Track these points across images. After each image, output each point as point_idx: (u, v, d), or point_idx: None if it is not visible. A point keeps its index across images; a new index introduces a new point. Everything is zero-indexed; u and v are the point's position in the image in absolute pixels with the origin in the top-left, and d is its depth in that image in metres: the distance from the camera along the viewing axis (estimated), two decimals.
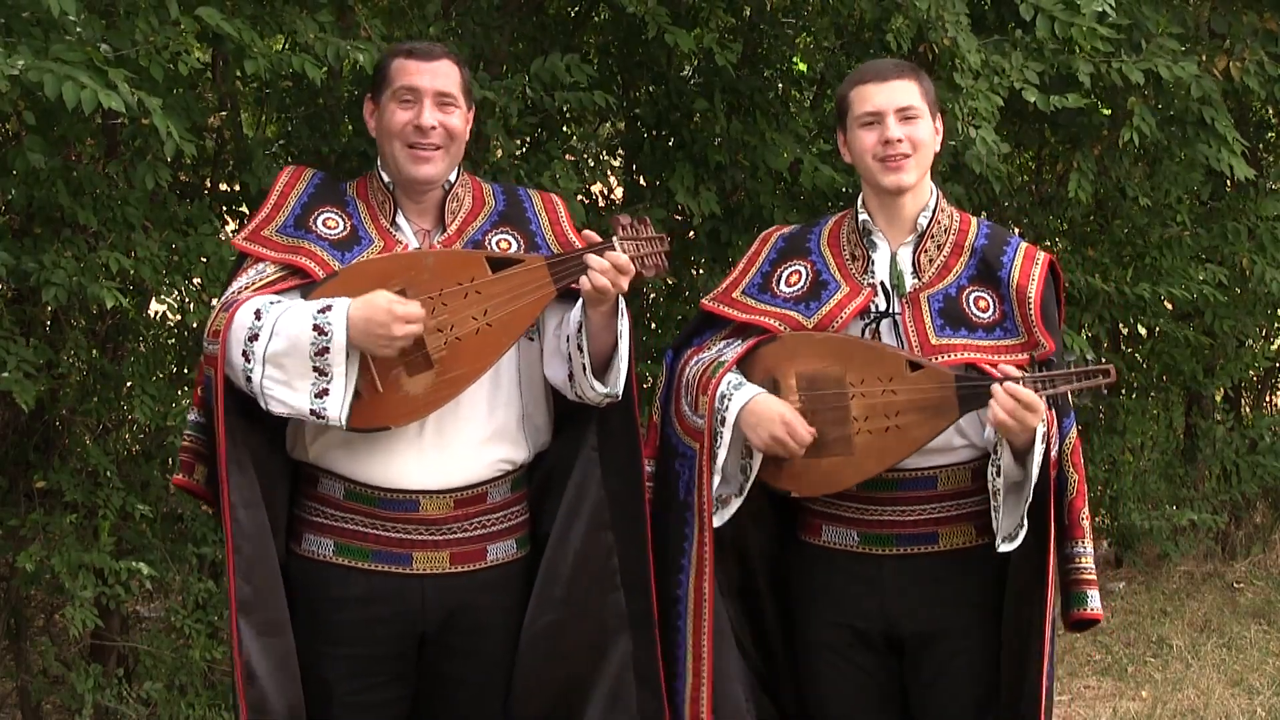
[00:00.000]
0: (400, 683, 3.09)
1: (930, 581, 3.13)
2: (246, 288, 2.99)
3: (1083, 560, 3.14)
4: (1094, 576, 3.16)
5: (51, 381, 4.33)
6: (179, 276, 4.20)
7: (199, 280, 4.23)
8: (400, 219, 3.12)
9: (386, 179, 3.12)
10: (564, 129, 5.36)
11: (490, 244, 3.11)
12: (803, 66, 5.76)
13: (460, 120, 3.09)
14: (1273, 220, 6.14)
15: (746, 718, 3.20)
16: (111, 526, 4.46)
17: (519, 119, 4.64)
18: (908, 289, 3.13)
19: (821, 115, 5.67)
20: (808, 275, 3.19)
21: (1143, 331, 6.95)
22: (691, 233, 5.43)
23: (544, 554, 3.13)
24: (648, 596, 3.18)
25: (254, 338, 2.89)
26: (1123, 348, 7.09)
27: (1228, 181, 6.14)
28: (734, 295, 3.25)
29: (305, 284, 3.00)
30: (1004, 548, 3.00)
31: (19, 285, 4.20)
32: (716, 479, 3.11)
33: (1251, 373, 7.55)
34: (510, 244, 3.13)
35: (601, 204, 5.60)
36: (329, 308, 2.89)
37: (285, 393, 2.88)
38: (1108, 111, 5.47)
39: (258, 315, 2.90)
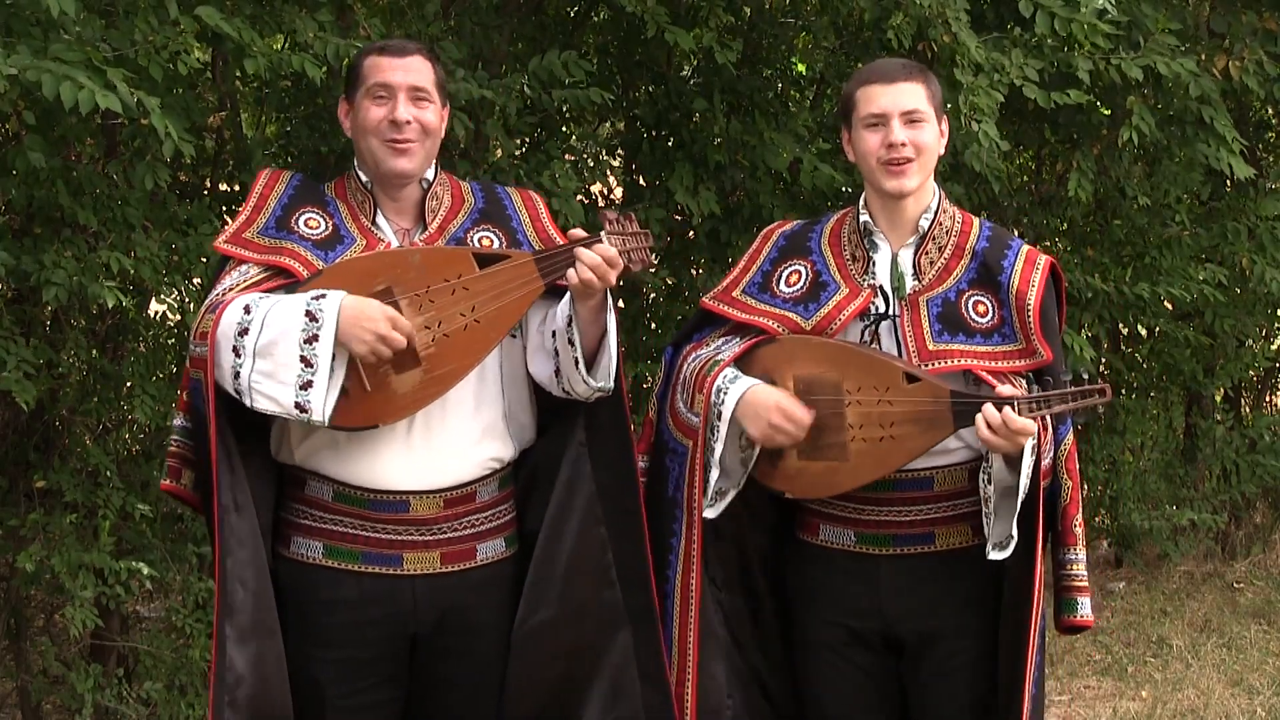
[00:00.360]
0: (392, 684, 3.08)
1: (927, 582, 3.13)
2: (231, 289, 2.98)
3: (1075, 567, 3.14)
4: (1086, 584, 3.16)
5: (51, 381, 4.33)
6: (179, 276, 4.20)
7: (199, 280, 4.23)
8: (380, 218, 3.11)
9: (364, 178, 3.11)
10: (563, 129, 5.37)
11: (472, 241, 3.10)
12: (801, 67, 5.76)
13: (435, 116, 3.08)
14: (1272, 220, 6.14)
15: (725, 713, 3.19)
16: (111, 526, 4.46)
17: (518, 118, 4.64)
18: (908, 291, 3.12)
19: (821, 115, 5.68)
20: (808, 275, 3.18)
21: (1142, 331, 6.95)
22: (691, 232, 5.44)
23: (535, 552, 3.12)
24: (647, 591, 3.17)
25: (244, 332, 2.87)
26: (1123, 348, 7.09)
27: (1227, 181, 6.14)
28: (734, 294, 3.25)
29: (290, 284, 2.98)
30: (994, 555, 3.00)
31: (19, 285, 4.20)
32: (715, 473, 3.10)
33: (1251, 373, 7.55)
34: (492, 241, 3.12)
35: (601, 204, 5.60)
36: (324, 295, 2.88)
37: (271, 386, 2.86)
38: (1107, 112, 5.47)
39: (247, 310, 2.89)
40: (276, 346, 2.86)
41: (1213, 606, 6.65)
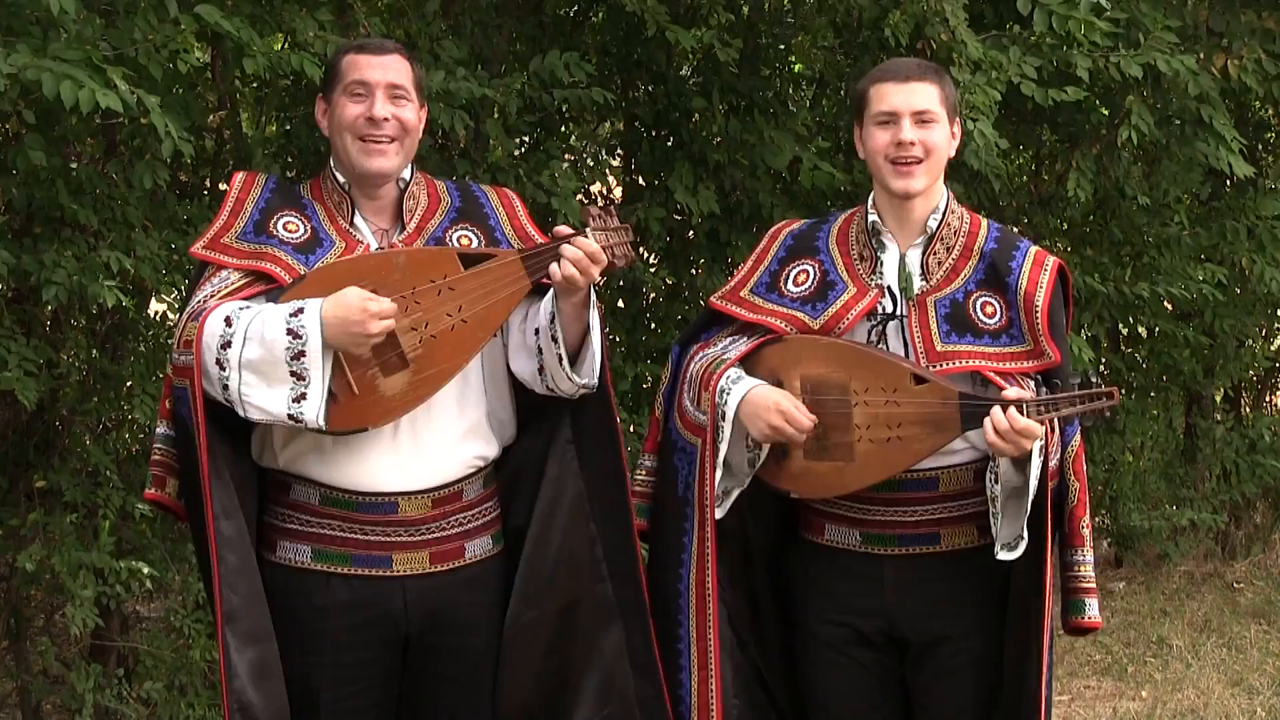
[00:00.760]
0: (385, 686, 3.07)
1: (931, 582, 3.12)
2: (212, 296, 2.95)
3: (1082, 569, 3.12)
4: (1093, 585, 3.14)
5: (52, 381, 4.33)
6: (179, 276, 4.20)
7: None
8: (358, 219, 3.09)
9: (341, 178, 3.08)
10: (563, 129, 5.37)
11: (451, 240, 3.09)
12: (799, 67, 5.77)
13: (413, 114, 3.06)
14: (1272, 220, 6.14)
15: (732, 713, 3.19)
16: (111, 526, 4.46)
17: (518, 118, 4.64)
18: (916, 292, 3.12)
19: (820, 114, 5.68)
20: (815, 275, 3.18)
21: (1142, 331, 6.95)
22: (691, 232, 5.44)
23: (524, 549, 3.11)
24: (637, 585, 3.17)
25: (226, 345, 2.86)
26: (1122, 348, 7.09)
27: (1227, 181, 6.14)
28: (741, 294, 3.24)
29: (272, 289, 2.97)
30: (1003, 556, 2.99)
31: (19, 285, 4.20)
32: (719, 473, 3.10)
33: (1251, 373, 7.55)
34: (471, 240, 3.11)
35: (600, 204, 5.60)
36: (301, 310, 2.86)
37: (263, 398, 2.85)
38: (1106, 111, 5.47)
39: (228, 322, 2.87)
40: (265, 364, 2.85)
41: (1213, 606, 6.65)
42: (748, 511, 3.20)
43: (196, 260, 3.08)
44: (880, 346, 3.10)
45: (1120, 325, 6.71)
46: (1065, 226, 6.20)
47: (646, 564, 3.26)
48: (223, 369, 2.86)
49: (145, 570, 4.33)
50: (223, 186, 4.74)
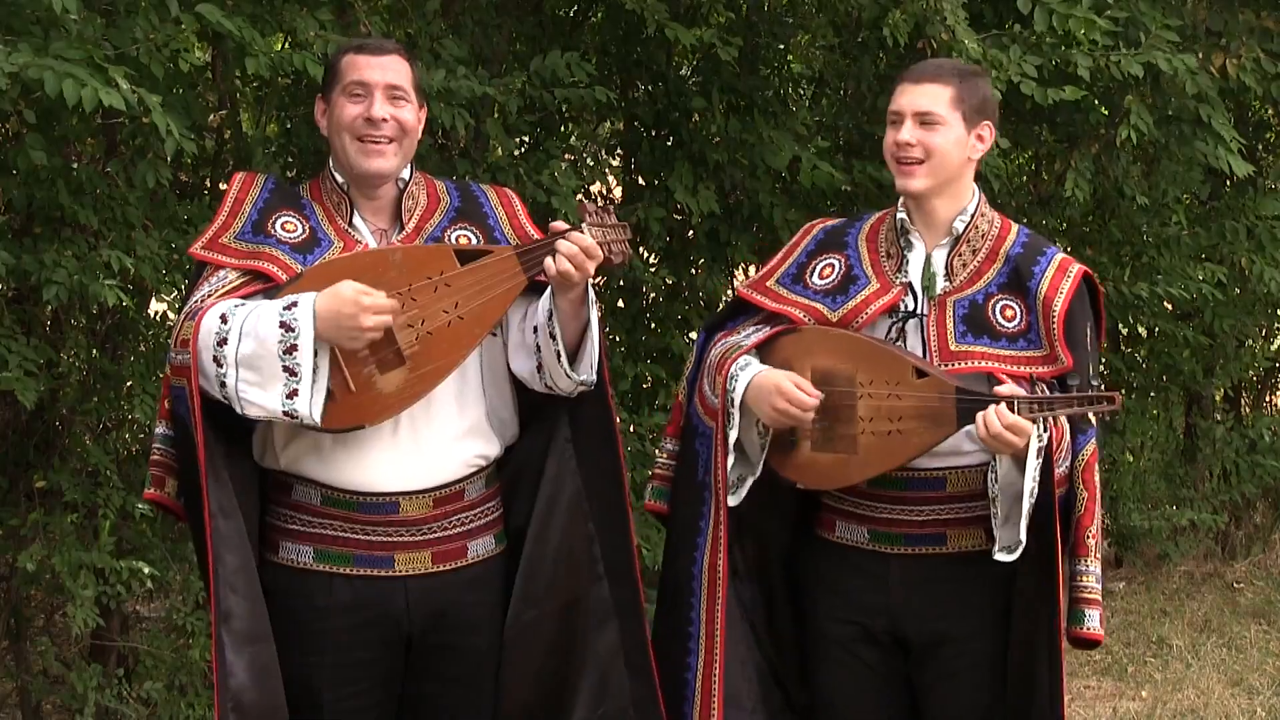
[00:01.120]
0: (387, 686, 3.07)
1: (936, 583, 3.12)
2: (209, 295, 2.95)
3: (1085, 579, 3.09)
4: (1097, 597, 3.11)
5: (52, 381, 4.33)
6: (179, 276, 4.20)
7: None
8: (357, 219, 3.08)
9: (340, 179, 3.08)
10: (563, 128, 5.37)
11: (450, 240, 3.08)
12: (798, 66, 5.77)
13: (412, 115, 3.06)
14: (1271, 219, 6.14)
15: (745, 701, 3.20)
16: (111, 526, 4.46)
17: (518, 117, 4.64)
18: (938, 291, 3.12)
19: (820, 114, 5.68)
20: (840, 269, 3.19)
21: (1142, 331, 6.96)
22: (690, 232, 5.44)
23: (524, 548, 3.11)
24: (632, 585, 3.18)
25: (222, 342, 2.85)
26: (1122, 348, 7.09)
27: (1227, 181, 6.14)
28: (768, 284, 3.26)
29: (269, 288, 2.96)
30: (1000, 557, 2.98)
31: (19, 285, 4.20)
32: (731, 458, 3.12)
33: (1251, 373, 7.56)
34: (470, 239, 3.10)
35: (601, 204, 5.59)
36: (294, 304, 2.85)
37: (259, 395, 2.85)
38: (1105, 111, 5.47)
39: (224, 319, 2.87)
40: (259, 359, 2.84)
41: (1213, 606, 6.65)
42: (770, 506, 3.21)
43: (195, 260, 3.08)
44: (898, 343, 3.11)
45: (1120, 325, 6.72)
46: (1065, 226, 6.20)
47: (664, 547, 3.30)
48: (220, 366, 2.85)
49: (145, 570, 4.33)
50: (223, 186, 4.75)
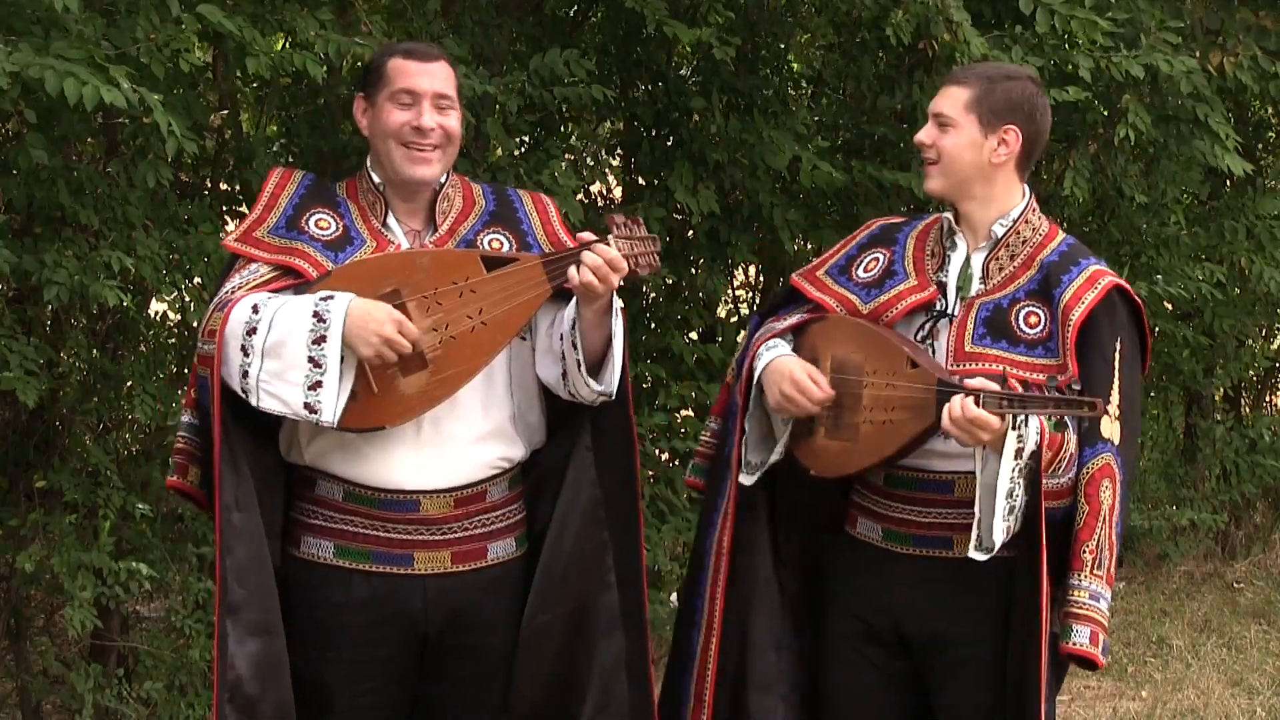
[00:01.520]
0: (401, 684, 3.08)
1: (938, 585, 3.12)
2: (240, 287, 2.98)
3: (1077, 594, 3.02)
4: (1090, 614, 3.02)
5: (52, 381, 4.33)
6: (179, 276, 4.20)
7: (199, 280, 4.23)
8: (391, 219, 3.10)
9: (377, 179, 3.10)
10: (563, 128, 5.37)
11: (482, 244, 3.10)
12: (797, 66, 5.77)
13: (457, 122, 3.09)
14: (1271, 219, 6.14)
15: (775, 692, 3.24)
16: (111, 526, 4.46)
17: (518, 117, 4.64)
18: (972, 293, 3.13)
19: (820, 113, 5.68)
20: (883, 263, 3.22)
21: None
22: (690, 232, 5.44)
23: (541, 553, 3.12)
24: (639, 594, 3.21)
25: (252, 331, 2.87)
26: None
27: (1226, 181, 6.14)
28: (818, 273, 3.31)
29: (298, 284, 2.98)
30: (973, 555, 2.96)
31: (20, 285, 4.20)
32: (747, 436, 3.19)
33: (1251, 373, 7.55)
34: (502, 244, 3.12)
35: (600, 203, 5.61)
36: (330, 297, 2.88)
37: (280, 387, 2.86)
38: (1106, 111, 5.47)
39: (255, 310, 2.89)
40: (284, 347, 2.85)
41: (1213, 606, 6.65)
42: (817, 500, 3.26)
43: (228, 252, 3.10)
44: (927, 341, 3.12)
45: None
46: (1064, 226, 6.17)
47: (697, 523, 3.37)
48: (246, 355, 2.86)
49: (145, 571, 4.33)
50: (223, 186, 4.75)
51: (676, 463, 5.30)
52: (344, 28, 4.19)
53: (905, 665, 3.20)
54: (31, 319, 4.35)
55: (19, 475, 4.51)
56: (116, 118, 4.04)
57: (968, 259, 3.16)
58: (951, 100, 3.09)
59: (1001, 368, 3.04)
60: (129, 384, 4.49)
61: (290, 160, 4.70)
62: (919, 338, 3.14)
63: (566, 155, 5.06)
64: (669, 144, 5.34)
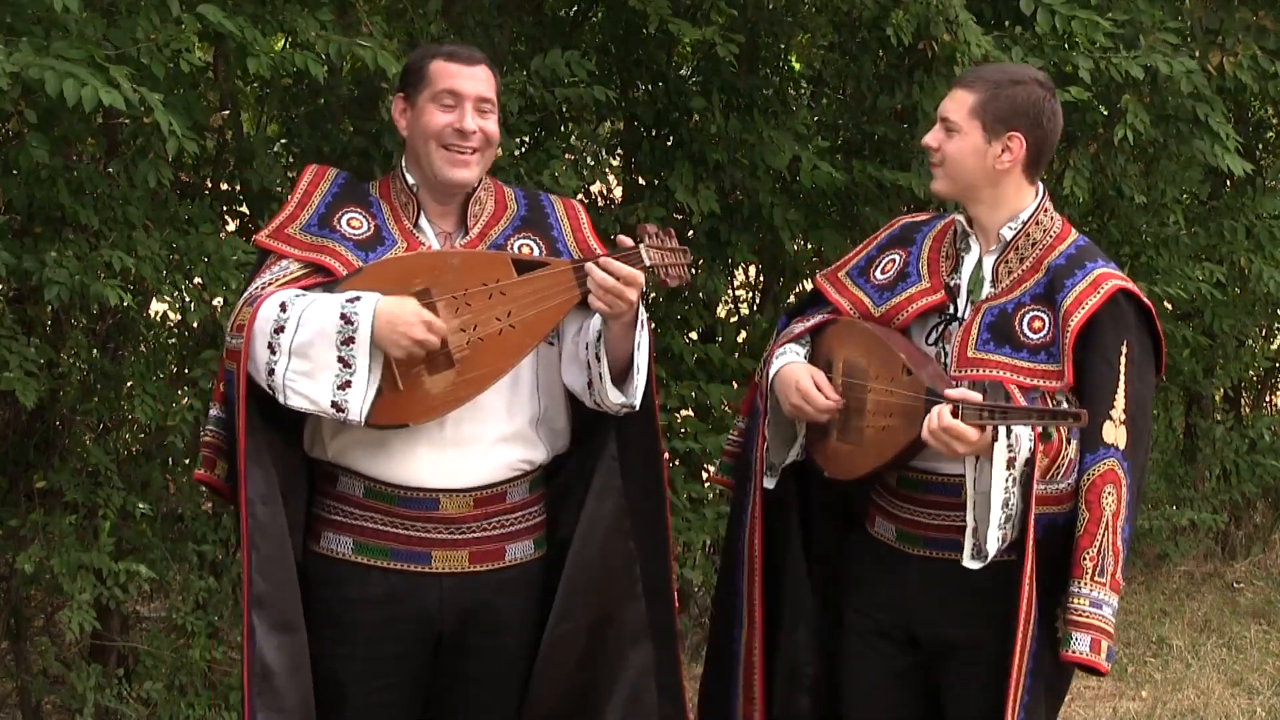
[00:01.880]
0: (415, 682, 3.09)
1: (947, 588, 3.12)
2: (270, 284, 2.99)
3: (1076, 600, 2.99)
4: (1091, 620, 2.99)
5: (52, 381, 4.33)
6: (180, 275, 4.20)
7: (199, 280, 4.23)
8: (423, 220, 3.11)
9: (411, 180, 3.11)
10: (563, 128, 5.37)
11: (512, 248, 3.11)
12: (798, 66, 5.77)
13: (495, 126, 3.09)
14: (1271, 219, 6.14)
15: (803, 680, 3.28)
16: (111, 527, 4.46)
17: (518, 117, 4.64)
18: (982, 296, 3.12)
19: (820, 113, 5.68)
20: (899, 265, 3.22)
21: None
22: (691, 232, 5.44)
23: (565, 562, 3.13)
24: (668, 604, 3.23)
25: (280, 330, 2.88)
26: None
27: (1226, 181, 6.14)
28: (839, 274, 3.32)
29: (328, 282, 2.99)
30: (967, 564, 2.97)
31: (20, 285, 4.20)
32: (768, 440, 3.22)
33: (1251, 373, 7.55)
34: (532, 249, 3.13)
35: (601, 203, 5.61)
36: (358, 298, 2.89)
37: (308, 385, 2.87)
38: (1106, 111, 5.47)
39: (283, 308, 2.90)
40: (313, 347, 2.87)
41: (1213, 606, 6.65)
42: (850, 497, 3.28)
43: (259, 248, 3.11)
44: (938, 344, 3.13)
45: None
46: None
47: (728, 519, 3.39)
48: (273, 353, 2.88)
49: (144, 572, 4.33)
50: (224, 186, 4.76)
51: (677, 462, 5.30)
52: (344, 28, 4.19)
53: (916, 663, 3.21)
54: (31, 319, 4.34)
55: (19, 475, 4.51)
56: (117, 118, 4.03)
57: (979, 262, 3.15)
58: (957, 104, 3.08)
59: (1003, 374, 3.03)
60: (129, 384, 4.49)
61: (291, 160, 4.70)
62: (930, 341, 3.14)
63: (567, 155, 5.06)
64: (669, 144, 5.34)
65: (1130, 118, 5.05)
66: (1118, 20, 4.88)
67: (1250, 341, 7.30)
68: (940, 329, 3.13)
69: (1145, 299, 3.12)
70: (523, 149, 4.91)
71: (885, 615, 3.19)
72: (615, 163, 5.66)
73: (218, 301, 4.27)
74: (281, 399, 2.90)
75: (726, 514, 5.18)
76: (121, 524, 4.51)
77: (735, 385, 5.43)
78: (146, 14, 3.72)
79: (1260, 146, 6.95)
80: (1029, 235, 3.11)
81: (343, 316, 2.87)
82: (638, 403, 3.08)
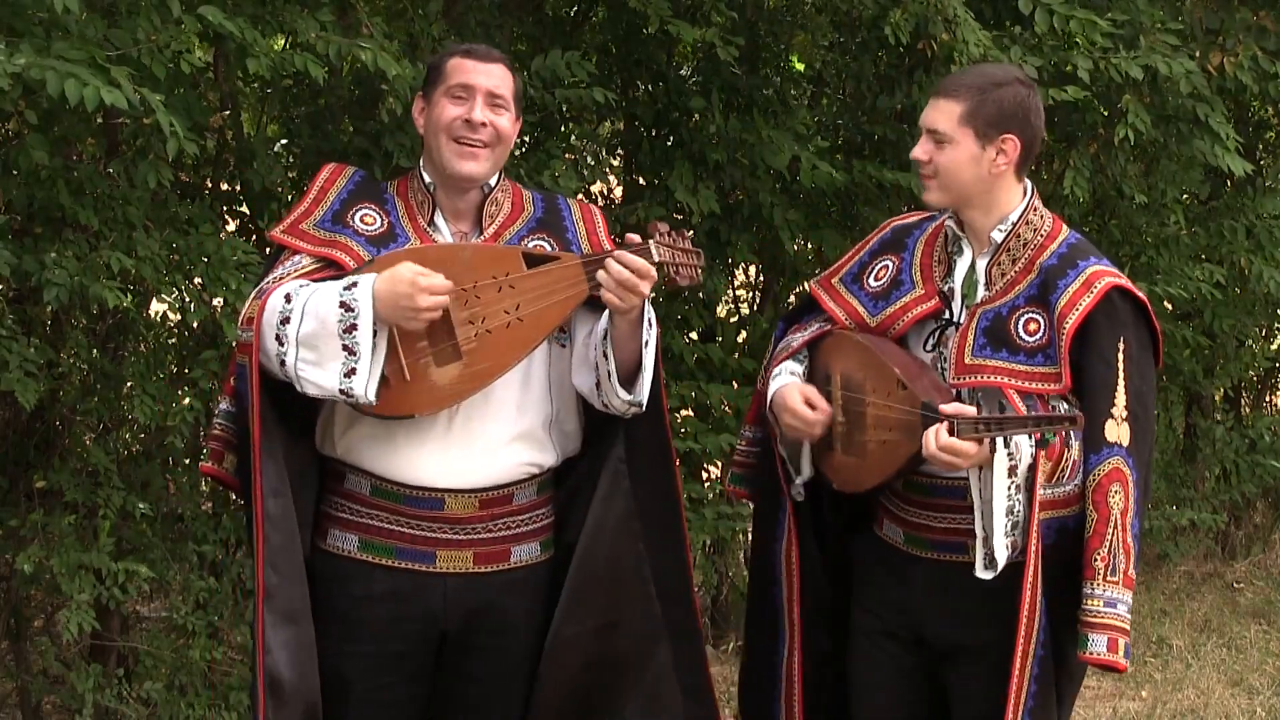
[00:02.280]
0: (418, 681, 3.10)
1: (954, 591, 3.11)
2: (281, 278, 3.01)
3: (1091, 602, 2.98)
4: (1107, 621, 2.98)
5: (52, 381, 4.33)
6: (179, 276, 4.20)
7: (199, 280, 4.23)
8: (439, 219, 3.12)
9: (428, 179, 3.12)
10: (563, 128, 5.37)
11: (526, 247, 3.11)
12: (799, 66, 5.77)
13: (509, 124, 3.09)
14: (1271, 219, 6.14)
15: (825, 670, 3.31)
16: (111, 527, 4.46)
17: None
18: (977, 300, 3.11)
19: (820, 113, 5.68)
20: (891, 272, 3.20)
21: None
22: (691, 232, 5.43)
23: (571, 565, 3.13)
24: (687, 605, 3.23)
25: (285, 321, 2.90)
26: None
27: (1226, 181, 6.14)
28: (833, 280, 3.30)
29: (339, 276, 3.00)
30: (979, 573, 2.97)
31: (20, 285, 4.20)
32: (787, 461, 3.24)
33: (1251, 373, 7.56)
34: (545, 249, 3.13)
35: (601, 203, 5.61)
36: (354, 284, 2.90)
37: (317, 373, 2.89)
38: (1105, 111, 5.47)
39: (288, 299, 2.92)
40: (318, 338, 2.88)
41: (1213, 606, 6.65)
42: (850, 501, 3.29)
43: (273, 243, 3.13)
44: (936, 350, 3.12)
45: None
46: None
47: (751, 534, 3.42)
48: (281, 344, 2.90)
49: (144, 572, 4.33)
50: (224, 186, 4.76)
51: (677, 463, 5.29)
52: (344, 29, 4.19)
53: (923, 663, 3.21)
54: (31, 319, 4.35)
55: (19, 475, 4.51)
56: (117, 118, 4.03)
57: (972, 265, 3.13)
58: (945, 115, 3.03)
59: (1001, 379, 3.02)
60: (129, 384, 4.49)
61: (291, 161, 4.70)
62: (929, 347, 3.13)
63: (567, 155, 5.06)
64: (669, 144, 5.34)
65: (1131, 118, 5.04)
66: (1117, 20, 4.88)
67: (1250, 341, 7.30)
68: (937, 335, 3.12)
69: (1139, 294, 3.11)
70: (523, 149, 4.91)
71: (893, 616, 3.20)
72: (615, 163, 5.66)
73: (218, 302, 4.27)
74: (299, 387, 2.92)
75: (727, 514, 5.27)
76: (121, 524, 4.51)
77: (735, 385, 5.43)
78: (147, 15, 3.72)
79: (1260, 146, 6.95)
80: (1019, 236, 3.10)
81: (342, 304, 2.88)
82: (645, 400, 3.07)
